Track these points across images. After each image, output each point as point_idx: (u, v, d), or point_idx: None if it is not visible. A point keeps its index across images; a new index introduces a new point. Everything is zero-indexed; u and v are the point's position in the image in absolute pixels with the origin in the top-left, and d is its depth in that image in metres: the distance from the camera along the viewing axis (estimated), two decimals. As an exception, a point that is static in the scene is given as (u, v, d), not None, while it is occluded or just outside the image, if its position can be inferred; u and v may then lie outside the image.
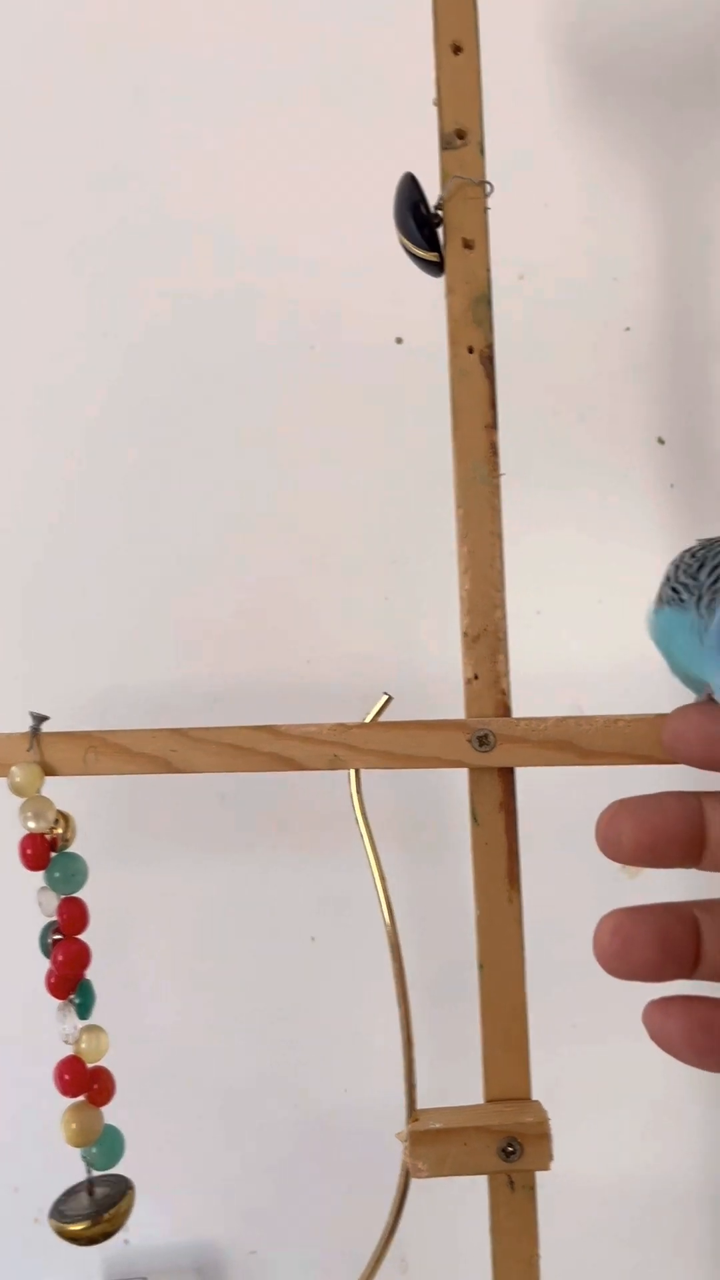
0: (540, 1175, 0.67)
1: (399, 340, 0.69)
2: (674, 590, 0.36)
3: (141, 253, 0.69)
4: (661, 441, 0.69)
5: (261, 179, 0.67)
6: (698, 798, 0.35)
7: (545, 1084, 0.66)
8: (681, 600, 0.36)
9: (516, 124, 0.69)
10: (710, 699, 0.36)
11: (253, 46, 0.68)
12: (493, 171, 0.68)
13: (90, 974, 0.46)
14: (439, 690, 0.51)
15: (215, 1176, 0.66)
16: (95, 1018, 0.45)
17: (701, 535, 0.40)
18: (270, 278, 0.67)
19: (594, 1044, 0.66)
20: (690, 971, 0.35)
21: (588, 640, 0.69)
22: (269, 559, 0.68)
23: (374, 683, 0.61)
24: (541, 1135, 0.39)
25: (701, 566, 0.35)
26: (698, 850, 0.35)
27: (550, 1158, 0.39)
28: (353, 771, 0.41)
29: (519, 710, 0.42)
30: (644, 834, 0.34)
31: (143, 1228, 0.66)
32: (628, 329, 0.69)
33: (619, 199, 0.69)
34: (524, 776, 0.43)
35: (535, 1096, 0.66)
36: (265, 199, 0.67)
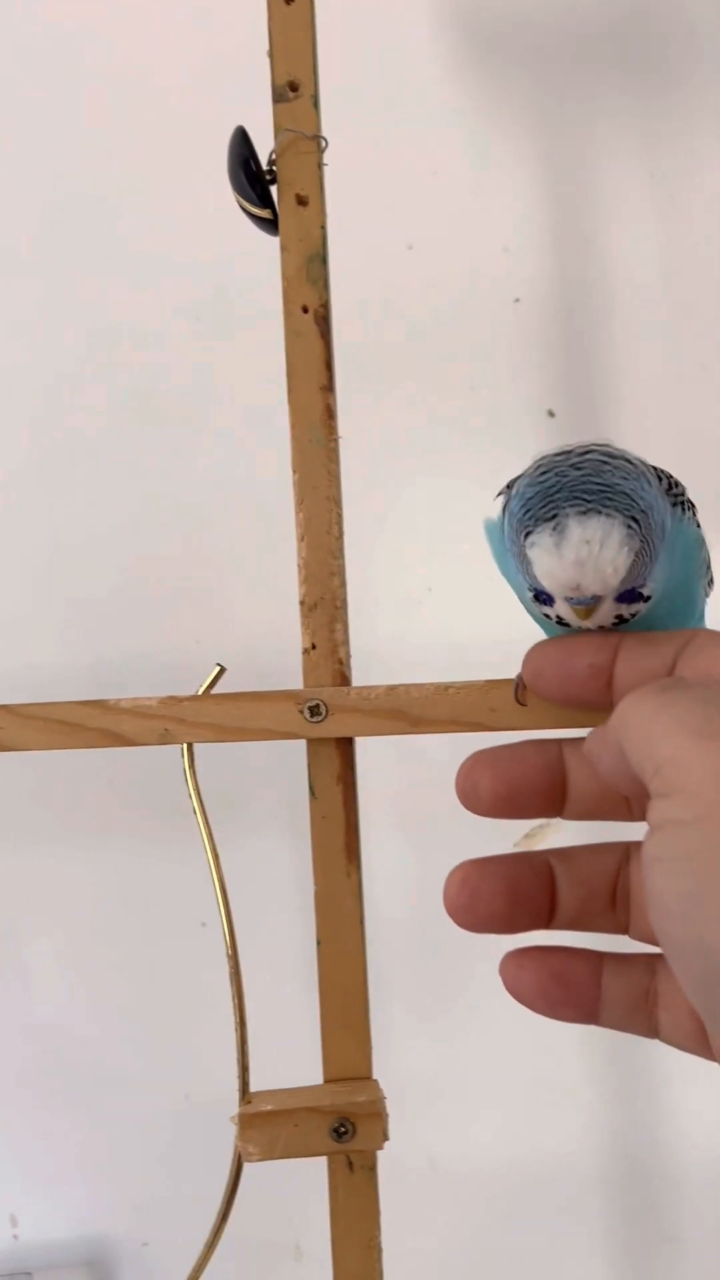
0: (433, 1157, 0.66)
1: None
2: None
3: (17, 232, 0.67)
4: (552, 414, 0.68)
5: (132, 146, 0.66)
6: (558, 745, 0.34)
7: (437, 1066, 0.66)
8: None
9: (401, 93, 0.68)
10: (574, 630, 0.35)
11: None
12: (380, 140, 0.67)
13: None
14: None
15: (106, 1168, 0.65)
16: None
17: None
18: (146, 247, 0.66)
19: (487, 1026, 0.65)
20: (546, 922, 0.34)
21: (481, 616, 0.68)
22: (157, 536, 0.67)
23: (264, 661, 0.61)
24: (374, 1114, 0.38)
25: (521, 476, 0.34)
26: (559, 799, 0.34)
27: (384, 1137, 0.38)
28: (185, 746, 0.40)
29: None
30: (501, 785, 0.33)
31: (32, 1221, 0.64)
32: (518, 300, 0.68)
33: (508, 168, 0.68)
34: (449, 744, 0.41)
35: (425, 1078, 0.65)
36: (141, 165, 0.66)
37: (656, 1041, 0.62)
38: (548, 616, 0.33)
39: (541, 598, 0.32)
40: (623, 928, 0.34)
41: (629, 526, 0.29)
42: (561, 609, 0.31)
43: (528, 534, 0.30)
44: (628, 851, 0.34)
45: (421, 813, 0.65)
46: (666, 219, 0.68)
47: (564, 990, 0.33)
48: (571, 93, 0.69)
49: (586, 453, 0.31)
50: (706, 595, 0.37)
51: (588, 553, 0.29)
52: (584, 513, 0.29)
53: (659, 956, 0.33)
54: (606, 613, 0.31)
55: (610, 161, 0.69)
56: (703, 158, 0.69)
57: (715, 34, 0.69)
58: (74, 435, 0.66)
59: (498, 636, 0.67)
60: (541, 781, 0.33)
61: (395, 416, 0.67)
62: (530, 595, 0.32)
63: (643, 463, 0.32)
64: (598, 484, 0.30)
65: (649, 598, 0.32)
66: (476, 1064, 0.65)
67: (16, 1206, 0.64)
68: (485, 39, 0.68)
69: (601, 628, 0.32)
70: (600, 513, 0.29)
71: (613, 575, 0.30)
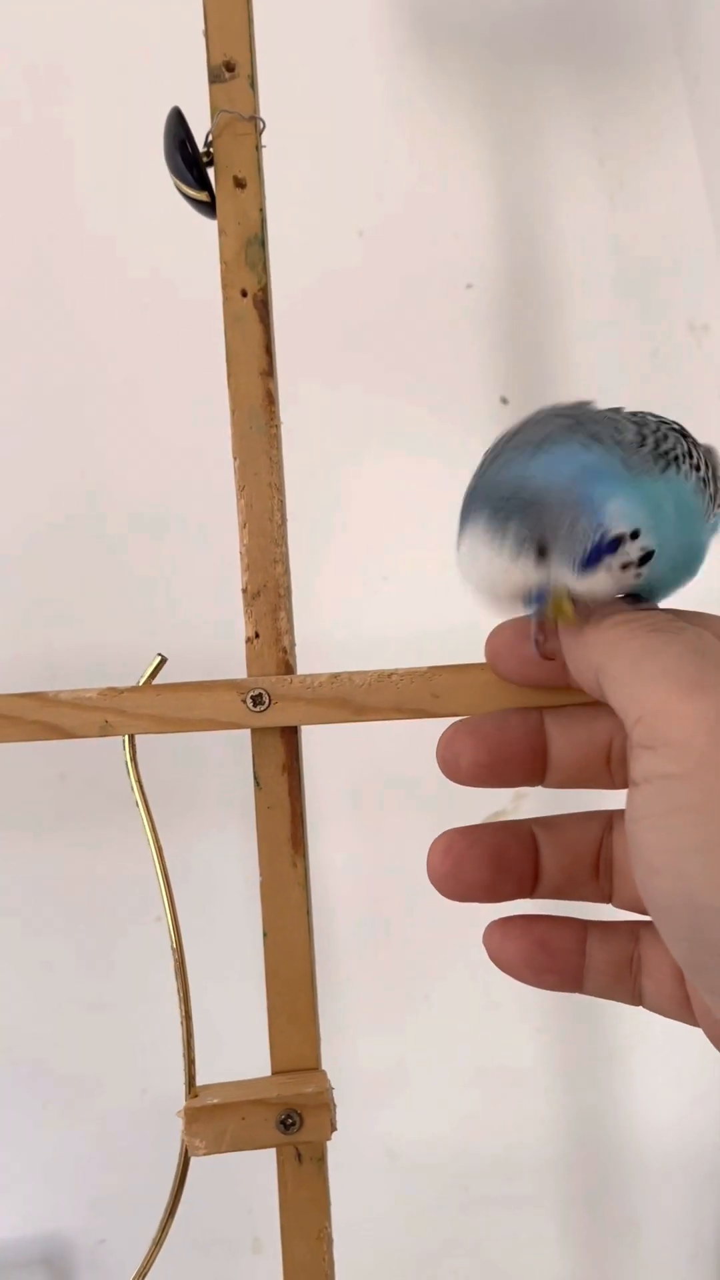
0: (390, 1148, 0.66)
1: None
2: None
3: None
4: (505, 401, 0.68)
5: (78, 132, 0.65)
6: (539, 714, 0.34)
7: (394, 1056, 0.66)
8: None
9: (349, 79, 0.67)
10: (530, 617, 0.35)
11: None
12: (329, 127, 0.67)
13: None
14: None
15: (60, 1166, 0.64)
16: None
17: None
18: (82, 232, 0.65)
19: (447, 1015, 0.65)
20: (530, 890, 0.34)
21: (436, 605, 0.68)
22: (103, 528, 0.66)
23: (214, 653, 0.60)
24: (321, 1105, 0.37)
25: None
26: (540, 768, 0.34)
27: (331, 1128, 0.38)
28: (126, 738, 0.40)
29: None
30: (482, 754, 0.33)
31: (-13, 1222, 0.64)
32: (469, 286, 0.68)
33: (458, 154, 0.68)
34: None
35: (382, 1069, 0.65)
36: (76, 146, 0.65)
37: (611, 1027, 0.62)
38: None
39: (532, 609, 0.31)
40: (606, 896, 0.34)
41: (503, 524, 0.29)
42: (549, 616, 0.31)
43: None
44: (610, 820, 0.34)
45: (375, 802, 0.65)
46: (616, 204, 0.68)
47: (548, 958, 0.33)
48: (521, 78, 0.68)
49: (511, 438, 0.31)
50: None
51: (482, 562, 0.29)
52: (465, 527, 0.29)
53: (643, 924, 0.33)
54: (596, 587, 0.30)
55: (560, 147, 0.69)
56: (652, 143, 0.69)
57: (663, 20, 0.69)
58: (13, 427, 0.65)
59: (460, 622, 0.67)
60: (522, 750, 0.33)
61: (349, 404, 0.67)
62: None
63: (602, 425, 0.31)
64: (489, 485, 0.30)
65: (636, 533, 0.29)
66: (433, 1053, 0.65)
67: (-29, 1207, 0.63)
68: (433, 23, 0.68)
69: (625, 597, 0.31)
70: (474, 520, 0.29)
71: (520, 574, 0.29)
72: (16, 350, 0.65)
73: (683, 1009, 0.31)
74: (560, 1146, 0.66)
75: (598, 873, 0.34)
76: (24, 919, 0.65)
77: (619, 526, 0.29)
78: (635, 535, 0.30)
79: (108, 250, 0.65)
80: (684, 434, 0.34)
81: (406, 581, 0.68)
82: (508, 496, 0.29)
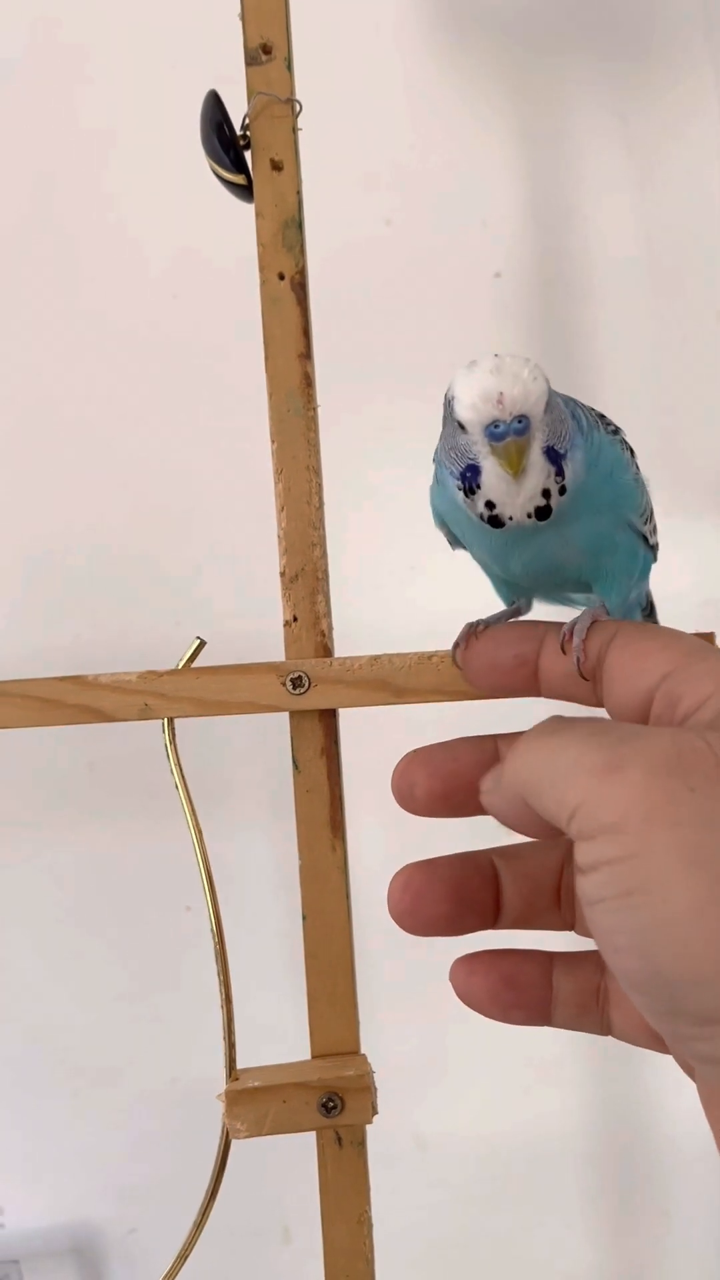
0: (421, 1137, 0.66)
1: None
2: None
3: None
4: (533, 389, 0.67)
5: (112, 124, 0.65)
6: (493, 740, 0.34)
7: (424, 1045, 0.65)
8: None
9: (377, 66, 0.67)
10: (511, 616, 0.36)
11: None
12: (356, 117, 0.66)
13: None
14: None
15: (91, 1155, 0.64)
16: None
17: None
18: (119, 216, 0.65)
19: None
20: (492, 922, 0.33)
21: (464, 593, 0.68)
22: (137, 513, 0.66)
23: (250, 639, 0.60)
24: (363, 1089, 0.37)
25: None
26: None
27: (373, 1111, 0.38)
28: (165, 721, 0.40)
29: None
30: (437, 783, 0.33)
31: (16, 1210, 0.64)
32: (498, 274, 0.68)
33: (485, 143, 0.68)
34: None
35: (413, 1058, 0.65)
36: (113, 132, 0.65)
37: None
38: (482, 517, 0.32)
39: (468, 482, 0.31)
40: (568, 924, 0.34)
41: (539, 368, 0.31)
42: (489, 471, 0.31)
43: (452, 400, 0.31)
44: (570, 848, 0.34)
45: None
46: (644, 191, 0.68)
47: (515, 993, 0.32)
48: (549, 67, 0.68)
49: None
50: (649, 551, 0.37)
51: (502, 363, 0.30)
52: (495, 357, 0.31)
53: None
54: (536, 469, 0.31)
55: (588, 135, 0.68)
56: (679, 131, 0.68)
57: (692, 6, 0.69)
58: (50, 414, 0.65)
59: (485, 610, 0.67)
60: (477, 777, 0.33)
61: (376, 393, 0.67)
62: (460, 494, 0.32)
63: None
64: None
65: (565, 487, 0.31)
66: (463, 1042, 0.65)
67: (3, 1196, 0.64)
68: (461, 11, 0.68)
69: (531, 516, 0.31)
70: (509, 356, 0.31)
71: (531, 380, 0.30)
72: (47, 342, 0.65)
73: (652, 1039, 0.31)
74: (589, 1137, 0.66)
75: (559, 901, 0.34)
76: (52, 909, 0.65)
77: (569, 468, 0.32)
78: (564, 488, 0.32)
79: (138, 237, 0.65)
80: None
81: (439, 568, 0.67)
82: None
